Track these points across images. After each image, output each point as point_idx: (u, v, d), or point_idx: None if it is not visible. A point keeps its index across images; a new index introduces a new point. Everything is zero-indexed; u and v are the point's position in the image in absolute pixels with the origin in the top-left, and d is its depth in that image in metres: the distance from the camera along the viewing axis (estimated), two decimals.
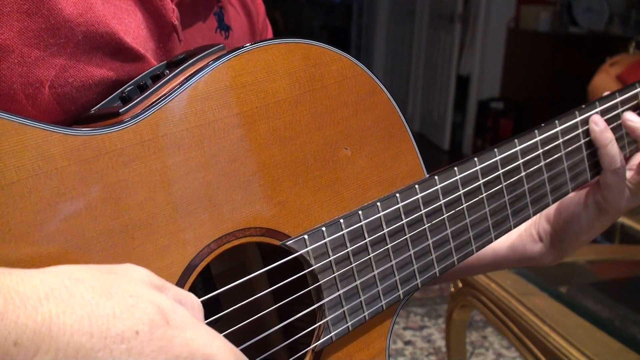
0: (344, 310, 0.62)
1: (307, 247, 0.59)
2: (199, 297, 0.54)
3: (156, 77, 0.55)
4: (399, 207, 0.64)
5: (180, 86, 0.52)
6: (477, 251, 0.71)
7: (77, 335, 0.38)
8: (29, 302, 0.38)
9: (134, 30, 0.55)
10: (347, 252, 0.61)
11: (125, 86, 0.55)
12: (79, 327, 0.39)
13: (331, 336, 0.62)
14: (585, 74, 3.62)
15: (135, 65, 0.55)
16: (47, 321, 0.38)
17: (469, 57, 5.80)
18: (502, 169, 0.72)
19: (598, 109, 0.79)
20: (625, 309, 1.79)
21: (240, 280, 0.57)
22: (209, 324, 0.57)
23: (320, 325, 0.61)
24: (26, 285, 0.38)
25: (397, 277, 0.65)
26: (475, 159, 0.70)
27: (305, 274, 0.60)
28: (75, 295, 0.40)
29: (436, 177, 0.67)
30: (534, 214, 0.75)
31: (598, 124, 0.79)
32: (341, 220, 0.61)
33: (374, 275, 0.63)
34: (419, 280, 0.67)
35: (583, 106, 0.78)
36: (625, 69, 3.20)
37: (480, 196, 0.70)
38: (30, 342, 0.37)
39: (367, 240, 0.63)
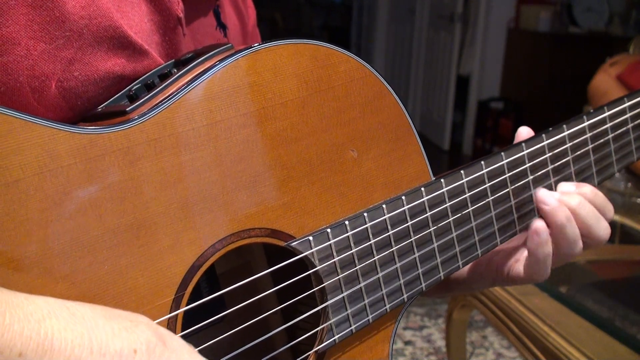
0: (347, 313, 0.62)
1: (311, 248, 0.59)
2: (203, 297, 0.54)
3: (164, 76, 0.55)
4: (404, 210, 0.64)
5: (188, 85, 0.52)
6: (481, 255, 0.71)
7: (78, 349, 0.40)
8: (32, 317, 0.40)
9: (137, 24, 0.55)
10: (352, 254, 0.61)
11: (133, 84, 0.55)
12: (79, 343, 0.41)
13: (335, 339, 0.61)
14: (585, 74, 3.62)
15: (139, 59, 0.55)
16: (49, 335, 0.40)
17: (469, 57, 5.80)
18: (508, 172, 0.71)
19: (606, 114, 0.78)
20: (625, 309, 1.79)
21: (244, 281, 0.56)
22: (213, 322, 0.57)
23: (323, 328, 0.61)
24: (30, 304, 0.41)
25: (401, 281, 0.65)
26: (482, 162, 0.69)
27: (309, 275, 0.59)
28: (76, 314, 0.42)
29: (442, 180, 0.67)
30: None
31: (547, 202, 0.70)
32: (346, 222, 0.61)
33: (379, 278, 0.63)
34: (423, 284, 0.66)
35: (591, 110, 0.78)
36: (625, 69, 3.19)
37: (487, 200, 0.70)
38: (34, 354, 0.39)
39: (372, 242, 0.62)
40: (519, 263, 0.73)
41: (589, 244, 0.73)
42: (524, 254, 0.73)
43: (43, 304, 0.41)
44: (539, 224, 0.69)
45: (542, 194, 0.71)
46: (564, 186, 0.74)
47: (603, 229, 0.72)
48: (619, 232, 2.24)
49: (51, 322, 0.40)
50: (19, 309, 0.39)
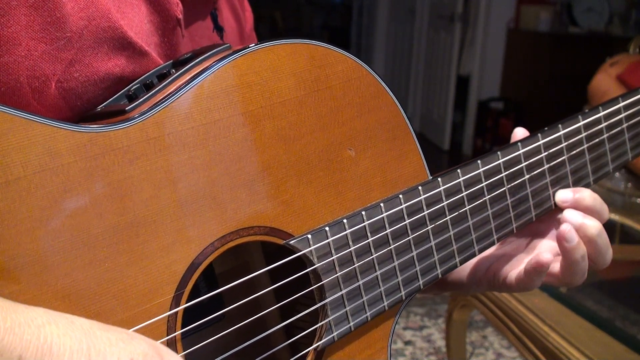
0: (346, 311, 0.62)
1: (310, 246, 0.59)
2: (202, 295, 0.55)
3: (162, 76, 0.56)
4: (402, 208, 0.64)
5: (186, 85, 0.53)
6: (479, 253, 0.71)
7: (76, 355, 0.41)
8: (33, 323, 0.40)
9: (137, 25, 0.56)
10: (350, 252, 0.62)
11: (132, 84, 0.55)
12: (77, 349, 0.41)
13: (333, 336, 0.62)
14: (585, 74, 3.61)
15: (139, 60, 0.56)
16: (48, 341, 0.40)
17: (469, 57, 5.81)
18: (504, 171, 0.72)
19: (601, 114, 0.79)
20: (625, 309, 1.79)
21: (243, 279, 0.57)
22: (213, 320, 0.57)
23: (322, 325, 0.61)
24: (30, 312, 0.41)
25: (399, 278, 0.65)
26: (479, 161, 0.70)
27: (308, 273, 0.60)
28: (75, 323, 0.43)
29: (439, 179, 0.67)
30: (536, 217, 0.75)
31: (569, 240, 0.69)
32: (344, 221, 0.61)
33: (377, 275, 0.64)
34: (421, 282, 0.67)
35: (586, 110, 0.78)
36: (625, 69, 3.19)
37: (483, 199, 0.70)
38: (33, 357, 0.39)
39: (370, 240, 0.63)
40: (514, 271, 0.74)
41: (592, 268, 0.74)
42: (520, 262, 0.75)
43: (43, 312, 0.42)
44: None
45: (569, 234, 0.69)
46: (561, 193, 0.75)
47: (609, 257, 0.74)
48: (619, 232, 2.24)
49: (50, 328, 0.41)
50: (20, 314, 0.40)
